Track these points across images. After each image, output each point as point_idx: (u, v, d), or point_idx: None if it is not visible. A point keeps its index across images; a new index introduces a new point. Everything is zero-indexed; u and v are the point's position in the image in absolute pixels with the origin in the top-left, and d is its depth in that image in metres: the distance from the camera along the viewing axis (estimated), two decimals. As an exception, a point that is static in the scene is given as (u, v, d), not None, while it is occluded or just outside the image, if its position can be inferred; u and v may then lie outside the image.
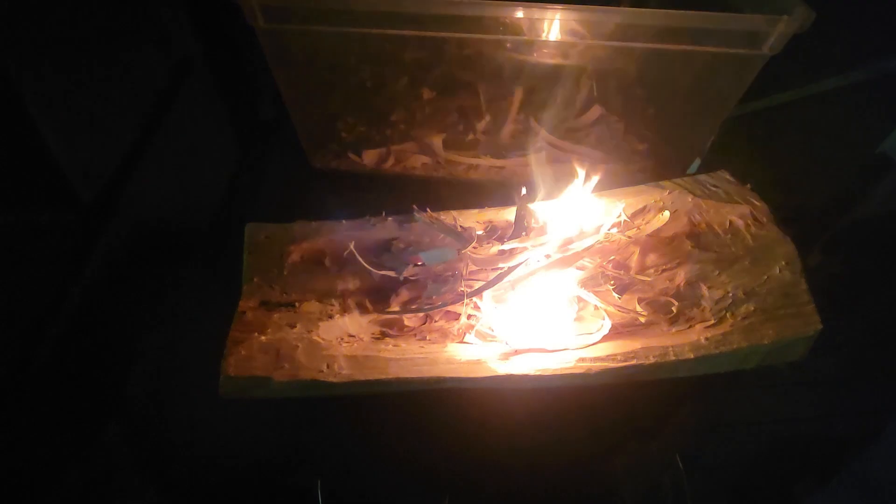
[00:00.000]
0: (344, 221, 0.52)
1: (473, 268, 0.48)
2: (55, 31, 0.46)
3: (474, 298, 0.46)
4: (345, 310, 0.46)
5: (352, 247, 0.48)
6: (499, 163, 0.70)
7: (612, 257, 0.49)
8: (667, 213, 0.51)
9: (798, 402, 0.53)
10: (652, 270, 0.49)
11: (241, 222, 0.52)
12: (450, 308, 0.47)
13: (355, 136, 0.72)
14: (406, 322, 0.47)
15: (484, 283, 0.46)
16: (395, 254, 0.50)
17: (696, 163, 0.70)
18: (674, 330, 0.45)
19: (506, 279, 0.46)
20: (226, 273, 0.49)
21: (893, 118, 0.66)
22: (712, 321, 0.45)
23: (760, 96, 0.73)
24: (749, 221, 0.51)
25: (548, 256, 0.48)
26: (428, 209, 0.51)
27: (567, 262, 0.47)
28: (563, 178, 0.55)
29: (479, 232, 0.52)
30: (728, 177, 0.55)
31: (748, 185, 0.54)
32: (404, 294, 0.47)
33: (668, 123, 0.68)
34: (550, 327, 0.46)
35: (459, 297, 0.46)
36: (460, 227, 0.52)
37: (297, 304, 0.46)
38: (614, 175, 0.71)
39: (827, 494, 0.48)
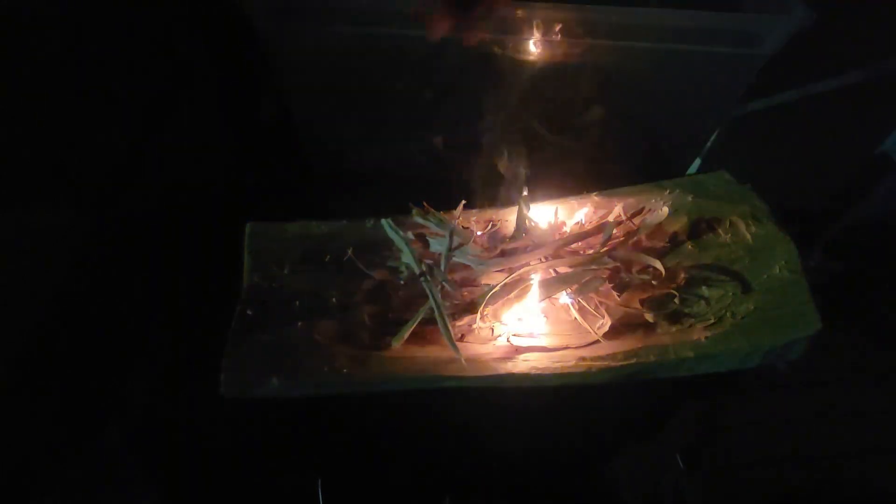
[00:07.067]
0: (344, 221, 0.52)
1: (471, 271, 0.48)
2: (56, 31, 0.46)
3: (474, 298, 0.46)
4: (345, 309, 0.46)
5: (350, 252, 0.48)
6: (499, 163, 0.70)
7: (613, 257, 0.49)
8: (665, 209, 0.51)
9: (798, 401, 0.53)
10: (652, 269, 0.49)
11: (242, 222, 0.52)
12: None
13: (355, 135, 0.72)
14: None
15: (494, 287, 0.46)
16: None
17: (697, 163, 0.70)
18: (674, 329, 0.45)
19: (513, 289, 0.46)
20: (226, 272, 0.49)
21: (893, 118, 0.66)
22: (713, 320, 0.45)
23: (760, 96, 0.73)
24: (749, 221, 0.51)
25: (549, 258, 0.48)
26: (425, 204, 0.51)
27: (574, 265, 0.47)
28: (563, 178, 0.55)
29: (479, 232, 0.52)
30: (728, 177, 0.55)
31: (748, 185, 0.54)
32: (405, 293, 0.47)
33: (669, 123, 0.68)
34: (551, 326, 0.46)
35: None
36: (462, 226, 0.52)
37: (297, 303, 0.46)
38: (614, 175, 0.70)
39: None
